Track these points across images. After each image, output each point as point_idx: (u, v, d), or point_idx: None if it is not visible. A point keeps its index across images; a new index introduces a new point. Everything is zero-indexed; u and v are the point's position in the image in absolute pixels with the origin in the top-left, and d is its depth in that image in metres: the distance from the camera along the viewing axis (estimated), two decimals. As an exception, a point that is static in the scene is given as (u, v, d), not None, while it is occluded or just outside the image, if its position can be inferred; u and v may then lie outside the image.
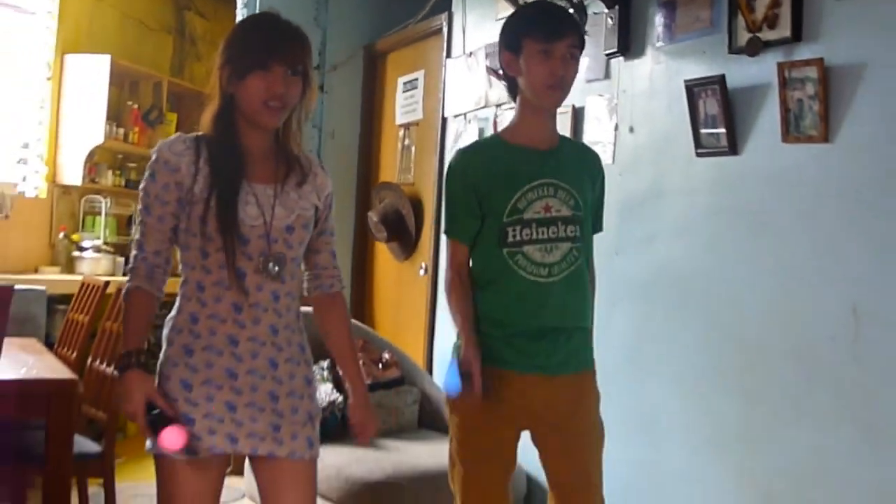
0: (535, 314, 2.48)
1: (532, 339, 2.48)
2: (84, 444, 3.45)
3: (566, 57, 2.44)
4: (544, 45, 2.41)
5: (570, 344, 2.54)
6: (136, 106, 6.52)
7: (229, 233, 2.14)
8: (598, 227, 2.68)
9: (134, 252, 2.22)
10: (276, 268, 2.20)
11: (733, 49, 3.00)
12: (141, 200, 2.21)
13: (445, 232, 2.60)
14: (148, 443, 2.19)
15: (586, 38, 2.60)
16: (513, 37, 2.50)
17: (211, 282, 2.18)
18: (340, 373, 2.54)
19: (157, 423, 2.05)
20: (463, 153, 2.62)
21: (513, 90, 2.57)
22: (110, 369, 3.60)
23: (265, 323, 2.21)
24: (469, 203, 2.49)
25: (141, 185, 2.22)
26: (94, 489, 3.66)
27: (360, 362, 4.21)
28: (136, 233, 2.24)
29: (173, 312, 2.25)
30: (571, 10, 3.42)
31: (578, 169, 2.59)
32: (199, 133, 2.25)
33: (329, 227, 2.40)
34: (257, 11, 5.44)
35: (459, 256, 2.54)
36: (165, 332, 2.25)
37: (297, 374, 2.28)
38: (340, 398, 4.10)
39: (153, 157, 2.20)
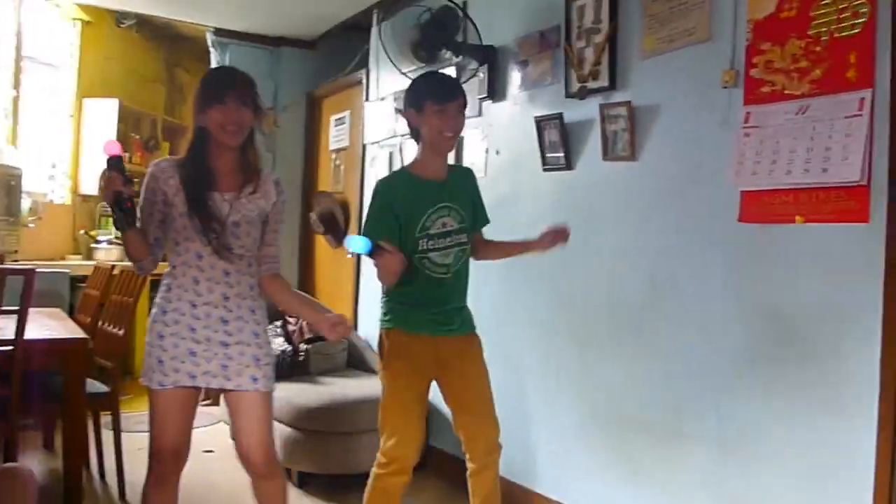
0: (440, 298, 2.44)
1: (440, 313, 2.44)
2: (96, 387, 3.26)
3: (456, 113, 2.39)
4: (440, 106, 2.36)
5: (461, 315, 2.52)
6: (138, 137, 6.22)
7: (205, 225, 2.14)
8: (485, 220, 2.62)
9: None
10: (223, 252, 2.17)
11: (568, 94, 2.97)
12: (142, 203, 2.21)
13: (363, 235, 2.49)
14: (141, 378, 2.20)
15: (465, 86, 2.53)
16: (415, 98, 2.42)
17: (181, 262, 2.19)
18: (299, 318, 2.45)
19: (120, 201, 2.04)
20: (384, 182, 2.50)
21: (416, 136, 2.49)
22: (116, 329, 3.42)
23: (217, 291, 2.19)
24: (385, 217, 2.39)
25: (141, 195, 2.22)
26: (106, 419, 3.47)
27: (296, 325, 4.13)
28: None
29: (159, 289, 2.25)
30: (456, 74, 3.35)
31: (461, 189, 2.52)
32: (180, 157, 2.25)
33: (273, 227, 2.31)
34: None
35: None
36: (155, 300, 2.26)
37: (245, 328, 2.23)
38: (290, 348, 3.97)
39: (148, 172, 2.21)
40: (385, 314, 2.48)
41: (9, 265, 3.15)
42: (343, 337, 2.39)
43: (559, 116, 2.95)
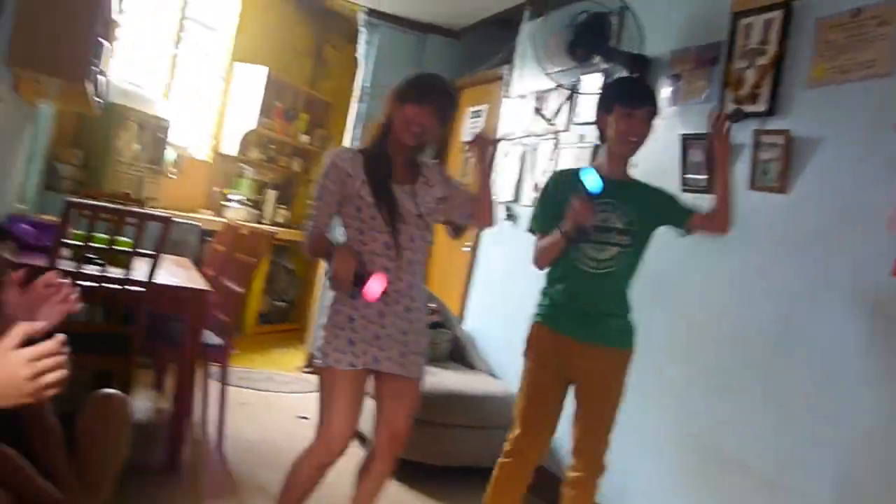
0: (589, 296, 2.40)
1: (588, 314, 2.40)
2: (210, 337, 3.39)
3: (643, 120, 2.36)
4: (628, 110, 2.34)
5: (615, 324, 2.45)
6: (280, 105, 6.45)
7: (391, 217, 2.21)
8: (693, 208, 2.49)
9: (308, 223, 2.28)
10: (407, 243, 2.24)
11: (721, 115, 2.83)
12: (316, 191, 2.27)
13: (531, 229, 2.50)
14: (322, 360, 2.25)
15: None
16: (607, 100, 2.44)
17: (368, 251, 2.23)
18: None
19: (359, 278, 2.09)
20: (558, 173, 2.53)
21: (601, 138, 2.49)
22: (237, 287, 3.55)
23: (404, 281, 2.25)
24: (548, 206, 2.42)
25: (317, 182, 2.28)
26: (215, 370, 3.61)
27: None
28: (311, 210, 2.28)
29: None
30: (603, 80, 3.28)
31: (641, 199, 2.44)
32: (362, 148, 2.34)
33: (458, 191, 2.45)
34: (374, 54, 5.37)
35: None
36: (328, 280, 2.30)
37: (420, 319, 2.32)
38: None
39: (328, 161, 2.26)
40: (538, 307, 2.49)
41: (149, 210, 3.32)
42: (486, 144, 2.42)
43: (708, 137, 2.82)
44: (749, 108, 2.70)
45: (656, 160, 3.13)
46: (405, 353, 2.27)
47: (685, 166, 2.95)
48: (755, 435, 2.51)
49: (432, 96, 2.22)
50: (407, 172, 2.31)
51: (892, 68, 2.25)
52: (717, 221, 2.43)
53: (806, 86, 2.53)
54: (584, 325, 2.39)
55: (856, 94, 2.36)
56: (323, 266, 5.47)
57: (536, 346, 2.46)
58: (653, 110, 2.40)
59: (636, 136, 2.38)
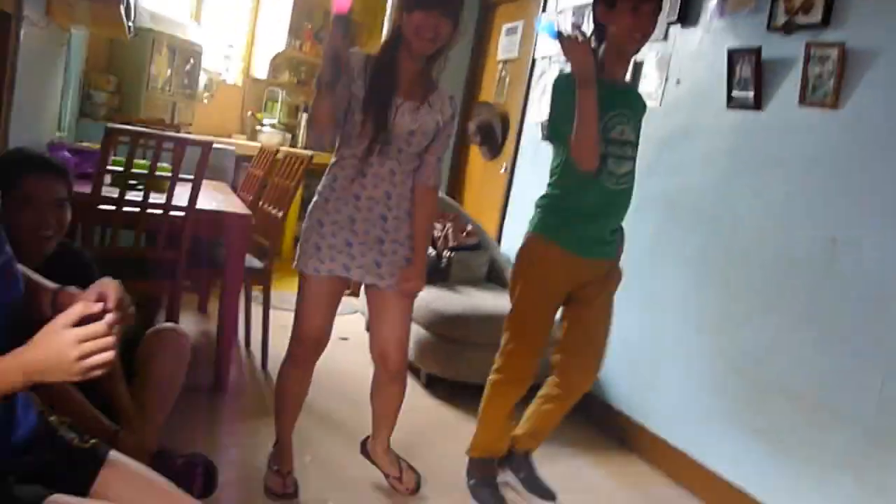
0: (608, 211, 2.36)
1: (602, 229, 2.36)
2: (252, 261, 3.44)
3: (650, 14, 2.24)
4: (635, 3, 2.21)
5: (617, 234, 2.44)
6: (310, 26, 6.34)
7: (376, 127, 2.14)
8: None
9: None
10: (391, 153, 2.18)
11: (771, 28, 2.71)
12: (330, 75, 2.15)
13: (549, 137, 2.42)
14: (295, 262, 2.26)
15: None
16: None
17: (350, 154, 2.20)
18: (445, 225, 2.43)
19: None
20: (568, 77, 2.29)
21: (600, 36, 2.34)
22: (275, 211, 3.58)
23: (381, 188, 2.21)
24: (571, 105, 2.19)
25: None
26: (256, 293, 3.69)
27: (450, 229, 4.16)
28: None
29: (324, 177, 2.27)
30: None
31: (639, 109, 2.40)
32: (370, 53, 2.23)
33: (442, 140, 2.29)
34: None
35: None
36: (318, 188, 2.28)
37: (402, 228, 2.26)
38: (433, 253, 4.02)
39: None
40: (539, 215, 2.40)
41: (188, 136, 3.32)
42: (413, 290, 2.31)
43: (757, 50, 2.71)
44: (802, 20, 2.58)
45: (700, 76, 3.05)
46: (381, 263, 2.23)
47: (731, 82, 2.85)
48: (799, 358, 2.50)
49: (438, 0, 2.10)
50: (417, 87, 2.21)
51: (958, -27, 2.13)
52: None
53: (864, -6, 2.41)
54: (596, 244, 2.36)
55: (918, 1, 2.25)
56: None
57: (545, 263, 2.36)
58: (659, 3, 2.27)
59: (642, 32, 2.25)
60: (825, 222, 2.47)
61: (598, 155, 2.18)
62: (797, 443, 2.48)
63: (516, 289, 2.43)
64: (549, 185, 2.40)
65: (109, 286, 1.15)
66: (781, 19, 2.66)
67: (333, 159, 2.26)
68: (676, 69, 3.21)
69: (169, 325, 2.24)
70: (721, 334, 2.83)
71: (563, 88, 2.27)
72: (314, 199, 2.28)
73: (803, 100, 2.56)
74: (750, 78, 2.76)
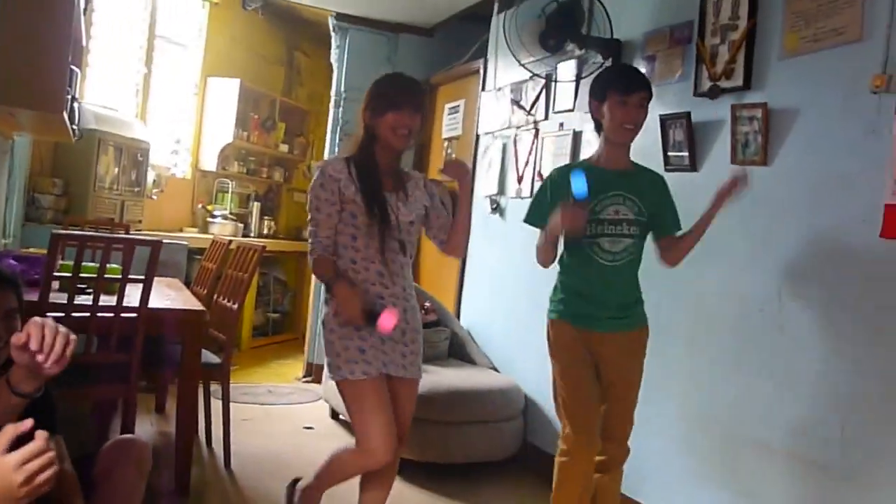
0: (608, 287, 2.44)
1: (606, 304, 2.45)
2: (209, 357, 3.40)
3: (638, 106, 2.38)
4: (623, 97, 2.35)
5: (633, 309, 2.51)
6: (256, 116, 6.45)
7: (385, 226, 2.24)
8: (676, 226, 2.55)
9: (312, 238, 2.29)
10: (400, 248, 2.29)
11: (697, 93, 2.86)
12: (312, 202, 2.28)
13: (526, 220, 2.52)
14: (331, 373, 2.31)
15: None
16: (599, 89, 2.45)
17: (361, 257, 2.27)
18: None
19: (371, 316, 2.15)
20: (557, 171, 2.53)
21: (598, 128, 2.50)
22: (230, 303, 3.55)
23: (399, 285, 2.30)
24: (544, 204, 2.43)
25: (312, 192, 2.28)
26: (214, 387, 3.62)
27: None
28: (311, 224, 2.29)
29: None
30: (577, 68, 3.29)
31: (646, 189, 2.48)
32: (347, 156, 2.33)
33: (439, 211, 2.45)
34: (346, 57, 5.36)
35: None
36: (327, 295, 2.34)
37: (416, 318, 2.40)
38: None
39: (319, 172, 2.29)
40: (552, 304, 2.51)
41: (136, 235, 3.31)
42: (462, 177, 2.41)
43: (686, 115, 2.85)
44: (725, 84, 2.73)
45: (638, 142, 3.14)
46: (405, 354, 2.33)
47: (666, 146, 2.97)
48: (764, 411, 2.54)
49: (407, 97, 2.26)
50: (395, 179, 2.34)
51: (862, 33, 2.28)
52: (681, 248, 2.50)
53: (780, 57, 2.56)
54: (604, 318, 2.43)
55: (829, 61, 2.40)
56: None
57: (563, 342, 2.46)
58: (647, 95, 2.41)
59: (632, 123, 2.39)
60: (770, 274, 2.55)
61: (549, 261, 2.41)
62: (770, 493, 2.49)
63: (553, 374, 2.52)
64: (559, 272, 2.52)
65: (32, 326, 1.15)
66: (706, 85, 2.80)
67: (339, 265, 2.29)
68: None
69: (128, 436, 2.17)
70: (692, 393, 2.87)
71: (547, 186, 2.48)
72: (332, 306, 2.30)
73: (735, 158, 2.68)
74: (683, 141, 2.88)
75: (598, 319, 2.43)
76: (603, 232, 2.38)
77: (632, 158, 2.54)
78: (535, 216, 2.49)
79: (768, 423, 2.52)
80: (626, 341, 2.49)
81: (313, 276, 5.43)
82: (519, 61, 3.57)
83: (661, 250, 2.54)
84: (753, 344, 2.61)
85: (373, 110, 2.27)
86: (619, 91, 2.37)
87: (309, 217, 2.31)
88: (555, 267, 2.52)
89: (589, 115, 2.55)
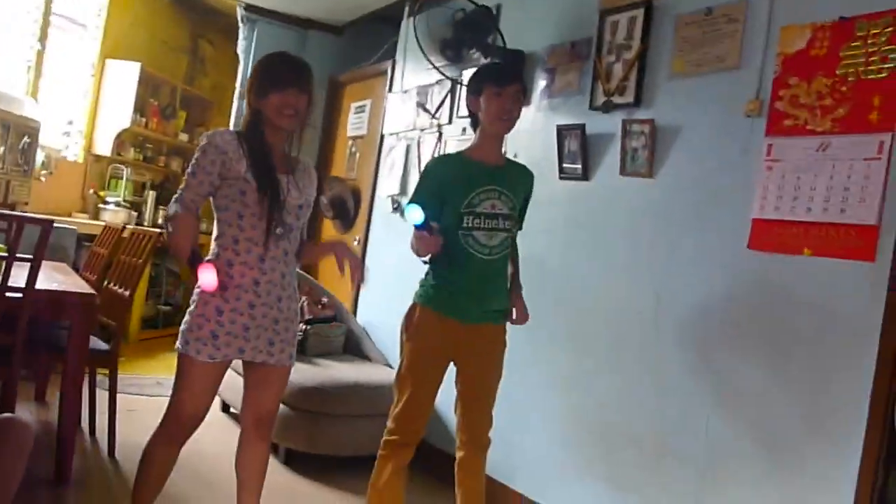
0: (480, 279, 2.51)
1: (478, 296, 2.52)
2: (97, 343, 3.30)
3: (513, 97, 2.48)
4: (498, 90, 2.45)
5: (498, 301, 2.60)
6: (156, 103, 6.27)
7: (274, 208, 2.17)
8: (520, 227, 2.68)
9: (177, 195, 2.18)
10: (285, 232, 2.23)
11: (592, 107, 3.02)
12: (191, 167, 2.18)
13: (411, 202, 2.50)
14: (184, 347, 2.19)
15: None
16: (475, 83, 2.54)
17: (244, 237, 2.19)
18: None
19: (194, 262, 2.06)
20: (436, 161, 2.61)
21: (474, 123, 2.58)
22: (122, 290, 3.47)
23: (278, 271, 2.24)
24: (431, 195, 2.47)
25: (193, 158, 2.19)
26: (100, 378, 3.52)
27: (305, 301, 4.18)
28: (182, 186, 2.19)
29: (210, 257, 2.23)
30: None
31: (517, 183, 2.59)
32: (238, 130, 2.26)
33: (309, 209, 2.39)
34: (253, 50, 5.31)
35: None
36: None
37: (292, 307, 2.32)
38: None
39: (205, 141, 2.19)
40: (422, 288, 2.55)
41: (26, 213, 3.19)
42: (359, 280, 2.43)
43: (581, 127, 3.01)
44: (618, 100, 2.90)
45: (535, 151, 3.31)
46: (274, 342, 2.27)
47: (561, 155, 3.12)
48: (640, 406, 2.71)
49: (292, 76, 2.19)
50: (284, 163, 2.28)
51: (740, 62, 2.49)
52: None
53: (668, 78, 2.75)
54: (474, 308, 2.52)
55: (711, 85, 2.60)
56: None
57: (420, 327, 2.51)
58: (520, 88, 2.53)
59: (507, 115, 2.49)
60: (650, 279, 2.73)
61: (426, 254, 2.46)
62: (643, 485, 2.66)
63: (403, 353, 2.56)
64: (430, 261, 2.56)
65: None
66: (601, 99, 2.97)
67: (219, 244, 2.22)
68: (514, 143, 3.44)
69: (6, 415, 2.09)
70: (572, 390, 3.02)
71: (430, 174, 2.54)
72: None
73: (624, 169, 2.85)
74: (577, 151, 3.04)
75: (468, 311, 2.50)
76: (479, 226, 2.46)
77: (525, 164, 2.68)
78: (419, 202, 2.45)
79: (643, 417, 2.69)
80: (491, 334, 2.58)
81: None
82: (432, 63, 3.66)
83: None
84: (631, 344, 2.78)
85: (257, 91, 2.20)
86: (494, 84, 2.47)
87: (183, 179, 2.20)
88: None
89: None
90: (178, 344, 2.22)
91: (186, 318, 2.23)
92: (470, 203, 2.45)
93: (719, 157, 2.54)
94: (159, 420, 2.28)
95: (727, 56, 2.53)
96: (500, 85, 2.46)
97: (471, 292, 2.51)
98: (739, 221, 2.42)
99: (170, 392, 2.27)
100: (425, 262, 2.58)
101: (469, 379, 2.57)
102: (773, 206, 2.32)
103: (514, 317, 2.64)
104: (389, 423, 2.57)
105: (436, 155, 3.87)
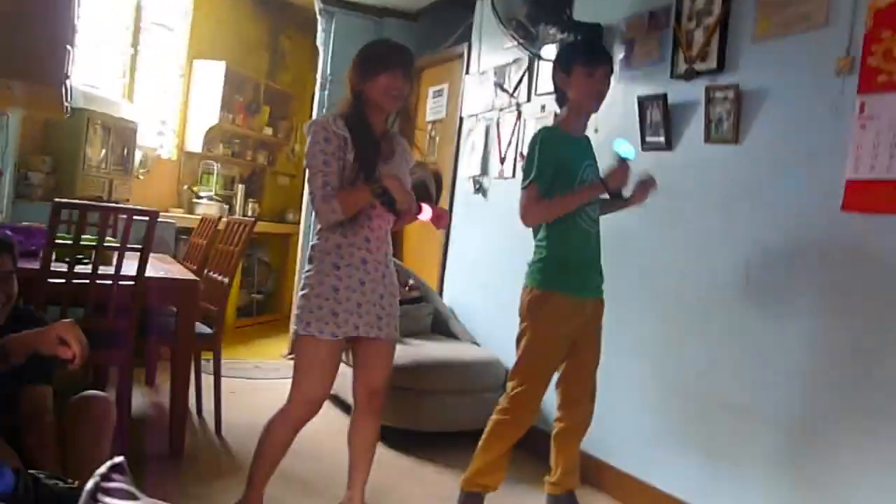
0: (592, 253, 2.61)
1: (590, 269, 2.61)
2: (201, 328, 3.48)
3: (603, 78, 2.54)
4: (589, 69, 2.51)
5: (601, 274, 2.67)
6: (241, 99, 6.50)
7: (380, 193, 2.20)
8: None
9: (321, 190, 2.22)
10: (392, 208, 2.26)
11: (674, 75, 2.99)
12: (318, 156, 2.23)
13: (530, 179, 2.51)
14: (305, 328, 2.29)
15: None
16: (565, 62, 2.59)
17: (350, 220, 2.29)
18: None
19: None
20: (547, 132, 2.58)
21: (560, 99, 2.65)
22: (221, 277, 3.64)
23: (382, 250, 2.38)
24: (549, 159, 2.49)
25: (315, 147, 2.23)
26: (203, 363, 3.71)
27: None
28: (317, 178, 2.23)
29: (318, 241, 2.35)
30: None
31: (595, 156, 2.67)
32: (339, 113, 2.32)
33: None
34: (332, 41, 5.44)
35: (539, 195, 2.50)
36: (312, 253, 2.37)
37: (394, 283, 2.45)
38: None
39: (320, 128, 2.24)
40: (537, 271, 2.57)
41: (134, 206, 3.39)
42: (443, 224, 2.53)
43: (663, 97, 2.98)
44: (700, 67, 2.86)
45: (617, 122, 3.29)
46: (381, 317, 2.37)
47: (644, 127, 3.10)
48: (731, 372, 2.69)
49: (397, 60, 2.29)
50: (386, 143, 2.37)
51: (828, 19, 2.42)
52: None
53: (751, 41, 2.70)
54: (587, 282, 2.59)
55: (797, 45, 2.54)
56: (299, 254, 5.56)
57: (545, 313, 2.53)
58: (610, 68, 2.57)
59: (599, 94, 2.55)
60: (738, 246, 2.70)
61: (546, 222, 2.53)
62: (737, 451, 2.65)
63: (523, 340, 2.59)
64: (538, 240, 2.60)
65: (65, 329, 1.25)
66: (682, 67, 2.93)
67: (327, 228, 2.31)
68: (594, 118, 3.43)
69: (91, 392, 2.11)
70: (660, 359, 3.02)
71: (548, 144, 2.51)
72: (315, 265, 2.33)
73: (708, 138, 2.81)
74: (660, 122, 3.01)
75: (586, 285, 2.57)
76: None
77: (609, 139, 2.70)
78: (545, 175, 2.48)
79: (736, 382, 2.67)
80: (597, 309, 2.64)
81: (299, 255, 5.55)
82: (514, 36, 3.66)
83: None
84: (721, 313, 2.75)
85: (364, 73, 2.28)
86: (585, 64, 2.52)
87: (310, 175, 2.25)
88: (532, 242, 2.64)
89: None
90: (295, 327, 2.34)
91: (300, 301, 2.34)
92: (581, 179, 2.52)
93: (809, 119, 2.48)
94: (282, 402, 2.38)
95: (814, 14, 2.47)
96: (593, 65, 2.51)
97: (588, 265, 2.58)
98: (832, 183, 2.36)
99: (284, 375, 2.38)
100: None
101: (579, 355, 2.62)
102: (869, 165, 2.26)
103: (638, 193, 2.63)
104: (503, 403, 2.61)
105: (533, 130, 3.88)
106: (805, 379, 2.42)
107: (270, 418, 2.40)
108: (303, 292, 2.35)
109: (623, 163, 2.48)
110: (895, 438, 2.15)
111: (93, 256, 2.76)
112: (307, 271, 2.37)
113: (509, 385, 2.61)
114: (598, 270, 2.64)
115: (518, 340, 2.61)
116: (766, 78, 2.63)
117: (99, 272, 2.77)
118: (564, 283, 2.54)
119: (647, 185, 2.61)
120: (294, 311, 2.36)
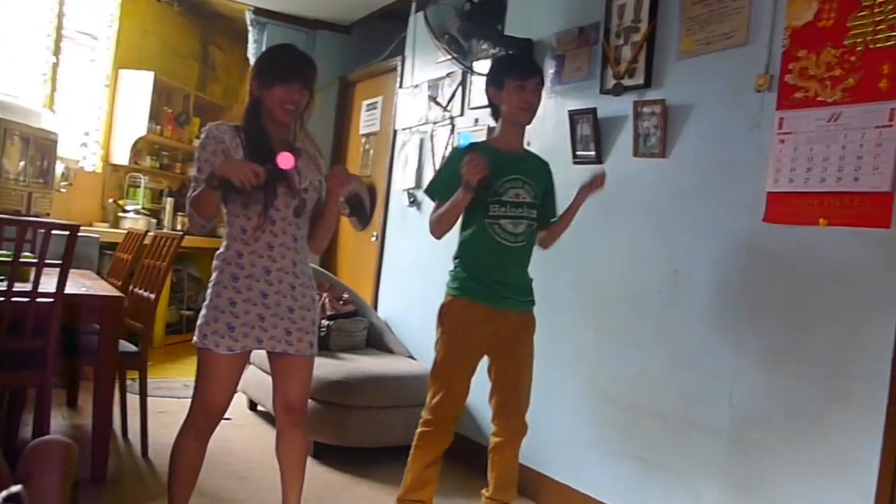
0: (506, 266, 2.57)
1: (504, 283, 2.57)
2: (126, 346, 3.36)
3: (534, 90, 2.54)
4: (519, 82, 2.51)
5: (524, 287, 2.65)
6: (170, 110, 6.34)
7: (271, 193, 2.18)
8: (553, 214, 2.72)
9: (189, 195, 2.19)
10: (298, 211, 2.23)
11: (603, 90, 3.05)
12: (196, 163, 2.21)
13: (428, 192, 2.61)
14: (202, 340, 2.22)
15: None
16: (496, 76, 2.60)
17: (251, 226, 2.21)
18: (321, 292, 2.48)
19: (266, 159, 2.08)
20: (459, 149, 2.60)
21: (495, 113, 2.65)
22: (147, 293, 3.53)
23: (288, 258, 2.26)
24: (452, 178, 2.47)
25: (196, 154, 2.22)
26: (129, 383, 3.59)
27: (326, 298, 4.23)
28: (192, 185, 2.19)
29: (221, 249, 2.27)
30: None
31: (537, 173, 2.65)
32: (235, 123, 2.27)
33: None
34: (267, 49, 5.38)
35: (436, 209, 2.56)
36: (215, 262, 2.28)
37: (307, 294, 2.33)
38: (325, 324, 4.07)
39: (203, 134, 2.21)
40: (452, 280, 2.59)
41: (53, 220, 3.25)
42: (344, 184, 2.27)
43: (593, 111, 3.04)
44: (628, 82, 2.93)
45: (548, 137, 3.34)
46: (291, 331, 2.27)
47: (574, 141, 3.15)
48: (660, 381, 2.75)
49: (297, 72, 2.20)
50: (284, 149, 2.24)
51: (748, 38, 2.51)
52: (553, 235, 2.72)
53: (677, 58, 2.78)
54: (503, 295, 2.56)
55: (720, 62, 2.62)
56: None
57: (455, 317, 2.57)
58: (541, 80, 2.59)
59: (530, 106, 2.56)
60: (668, 256, 2.76)
61: (445, 231, 2.53)
62: (667, 459, 2.69)
63: (439, 345, 2.60)
64: (456, 252, 2.62)
65: None
66: (611, 83, 3.00)
67: (228, 235, 2.26)
68: (527, 132, 3.48)
69: (51, 437, 1.96)
70: (594, 369, 3.05)
71: (454, 160, 2.51)
72: (216, 276, 2.25)
73: (637, 151, 2.88)
74: (590, 135, 3.07)
75: (498, 296, 2.55)
76: (505, 214, 2.52)
77: (537, 153, 2.72)
78: (437, 189, 2.57)
79: (665, 391, 2.73)
80: (520, 322, 2.63)
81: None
82: (447, 50, 3.68)
83: (542, 237, 2.71)
84: (651, 321, 2.81)
85: (261, 81, 2.21)
86: (516, 77, 2.53)
87: (192, 178, 2.20)
88: None
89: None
90: (195, 339, 2.26)
91: (202, 311, 2.26)
92: (496, 192, 2.50)
93: (731, 134, 2.56)
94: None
95: (735, 32, 2.55)
96: (523, 78, 2.53)
97: (500, 279, 2.55)
98: (754, 196, 2.44)
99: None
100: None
101: (503, 366, 2.62)
102: (787, 178, 2.34)
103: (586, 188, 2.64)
104: (425, 415, 2.62)
105: (451, 146, 3.91)
106: (732, 385, 2.49)
107: (176, 436, 2.33)
108: (205, 303, 2.28)
109: (468, 153, 2.40)
110: (819, 442, 2.23)
111: (9, 272, 2.64)
112: (209, 282, 2.28)
113: (428, 395, 2.61)
114: (520, 285, 2.62)
115: (435, 348, 2.63)
116: (691, 94, 2.71)
117: (15, 289, 2.65)
118: (475, 291, 2.54)
119: (596, 178, 2.63)
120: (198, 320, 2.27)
